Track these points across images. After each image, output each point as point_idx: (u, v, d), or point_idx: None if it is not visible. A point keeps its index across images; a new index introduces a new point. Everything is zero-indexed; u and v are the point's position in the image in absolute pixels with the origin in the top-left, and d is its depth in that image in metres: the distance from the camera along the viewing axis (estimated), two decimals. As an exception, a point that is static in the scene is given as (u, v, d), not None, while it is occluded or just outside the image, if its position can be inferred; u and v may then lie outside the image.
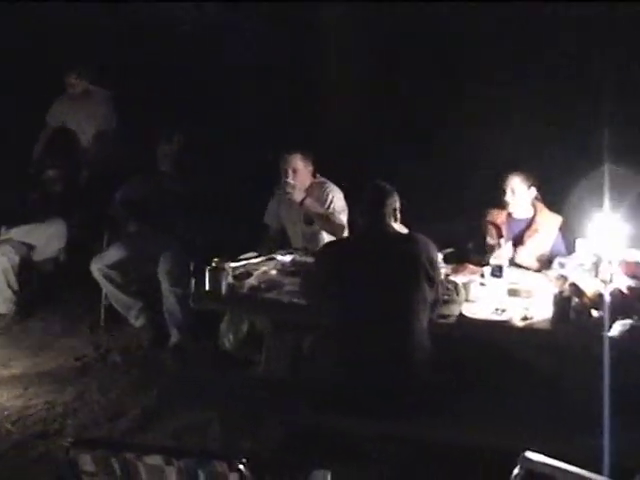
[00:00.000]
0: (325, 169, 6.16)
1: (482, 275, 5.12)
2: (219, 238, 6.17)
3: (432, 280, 4.24)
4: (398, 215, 4.47)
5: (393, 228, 4.41)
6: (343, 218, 5.88)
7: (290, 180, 5.82)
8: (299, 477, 3.22)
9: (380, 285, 4.18)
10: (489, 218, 5.83)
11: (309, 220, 5.92)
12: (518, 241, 5.61)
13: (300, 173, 5.88)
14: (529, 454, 3.21)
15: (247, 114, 8.37)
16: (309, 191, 5.95)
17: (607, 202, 5.13)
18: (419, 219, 5.46)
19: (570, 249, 5.40)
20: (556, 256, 5.32)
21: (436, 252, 4.42)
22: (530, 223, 5.69)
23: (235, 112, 8.32)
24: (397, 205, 4.44)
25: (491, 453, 3.88)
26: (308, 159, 5.94)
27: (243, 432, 4.72)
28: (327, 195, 5.94)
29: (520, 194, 5.61)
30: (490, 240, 5.67)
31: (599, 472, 3.21)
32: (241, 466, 2.50)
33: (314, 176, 6.03)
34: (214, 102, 8.37)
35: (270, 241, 6.12)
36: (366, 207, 4.43)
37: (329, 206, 5.90)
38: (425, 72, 8.22)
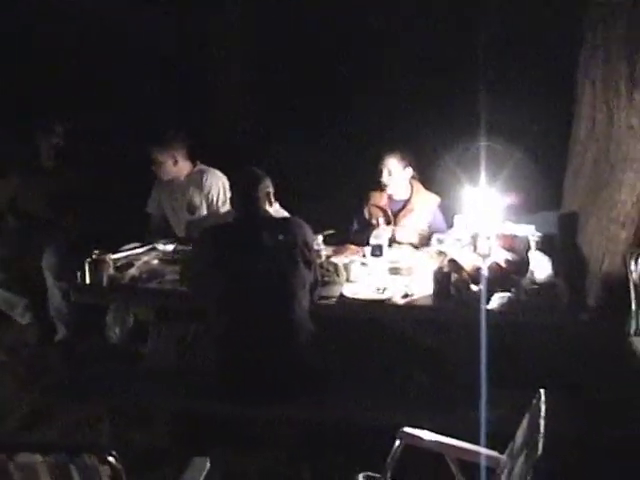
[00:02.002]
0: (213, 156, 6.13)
1: (364, 255, 5.16)
2: (103, 230, 6.09)
3: (309, 262, 4.26)
4: (272, 199, 4.46)
5: (268, 212, 4.40)
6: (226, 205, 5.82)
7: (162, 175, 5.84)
8: (181, 465, 3.21)
9: (258, 270, 4.17)
10: (371, 200, 5.90)
11: (192, 209, 5.88)
12: (397, 221, 5.69)
13: (178, 164, 5.86)
14: (407, 429, 3.26)
15: (131, 103, 8.24)
16: (189, 179, 5.93)
17: (483, 178, 5.23)
18: (300, 201, 5.49)
19: (450, 226, 5.48)
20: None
21: (312, 234, 4.43)
22: (407, 203, 5.78)
23: (117, 101, 8.19)
24: (271, 189, 4.42)
25: (376, 430, 3.91)
26: (183, 149, 5.89)
27: (133, 425, 4.70)
28: (206, 183, 5.91)
29: (396, 175, 5.69)
30: (372, 221, 5.72)
31: (478, 443, 3.27)
32: (111, 458, 2.49)
33: (194, 164, 5.98)
34: (96, 92, 8.22)
35: (153, 230, 6.05)
36: (239, 193, 4.43)
37: (208, 194, 5.88)
38: (312, 61, 8.26)
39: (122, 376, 4.84)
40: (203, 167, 6.00)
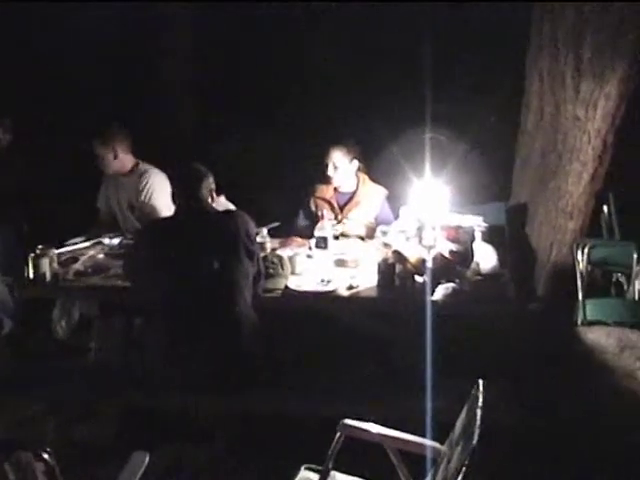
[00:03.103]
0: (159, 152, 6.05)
1: (310, 248, 5.16)
2: (51, 224, 6.03)
3: (252, 254, 4.25)
4: (215, 195, 4.43)
5: (210, 206, 4.37)
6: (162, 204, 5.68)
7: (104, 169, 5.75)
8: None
9: (201, 263, 4.15)
10: (317, 193, 5.88)
11: (132, 207, 5.81)
12: (344, 213, 5.69)
13: (119, 158, 5.75)
14: (348, 420, 3.24)
15: (77, 99, 8.16)
16: (131, 177, 5.84)
17: (428, 169, 5.23)
18: (246, 194, 5.45)
19: (397, 217, 5.48)
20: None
21: (254, 226, 4.40)
22: (353, 195, 5.78)
23: (64, 96, 8.10)
24: (213, 186, 4.39)
25: (320, 421, 3.89)
26: (123, 143, 5.78)
27: (78, 420, 4.67)
28: (145, 183, 5.77)
29: (342, 168, 5.66)
30: (318, 214, 5.71)
31: (423, 433, 3.26)
32: (46, 455, 2.46)
33: (137, 161, 5.88)
34: (44, 87, 8.13)
35: (101, 225, 5.95)
36: (181, 190, 4.38)
37: (146, 194, 5.76)
38: (258, 54, 8.25)
39: (67, 371, 4.80)
40: (146, 166, 5.86)
